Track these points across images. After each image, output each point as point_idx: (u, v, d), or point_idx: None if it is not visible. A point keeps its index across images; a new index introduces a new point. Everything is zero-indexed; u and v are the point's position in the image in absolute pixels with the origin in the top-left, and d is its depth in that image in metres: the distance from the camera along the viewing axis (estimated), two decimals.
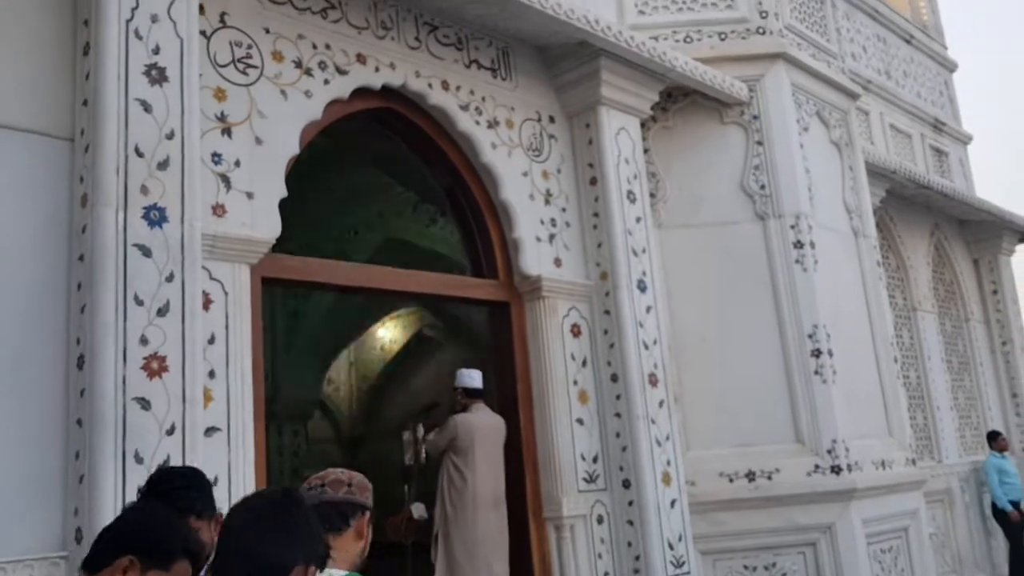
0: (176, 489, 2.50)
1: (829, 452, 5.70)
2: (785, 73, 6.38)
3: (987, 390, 10.06)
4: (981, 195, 10.31)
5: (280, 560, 1.62)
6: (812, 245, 6.07)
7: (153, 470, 3.19)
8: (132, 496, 3.12)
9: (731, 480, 5.69)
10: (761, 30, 6.47)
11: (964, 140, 11.63)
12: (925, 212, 9.62)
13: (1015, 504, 9.13)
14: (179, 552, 1.78)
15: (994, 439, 9.38)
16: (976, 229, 10.36)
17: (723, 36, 6.45)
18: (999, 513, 9.13)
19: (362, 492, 2.25)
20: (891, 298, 8.37)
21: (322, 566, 1.72)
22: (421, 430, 6.10)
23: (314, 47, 4.49)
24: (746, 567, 5.61)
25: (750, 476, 5.66)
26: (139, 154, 3.45)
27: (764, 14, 6.49)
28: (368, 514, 2.25)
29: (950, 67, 11.74)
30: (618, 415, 5.33)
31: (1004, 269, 10.53)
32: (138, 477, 3.15)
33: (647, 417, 5.30)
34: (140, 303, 3.31)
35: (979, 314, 10.35)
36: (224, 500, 3.56)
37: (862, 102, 8.46)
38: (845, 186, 6.83)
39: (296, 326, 9.90)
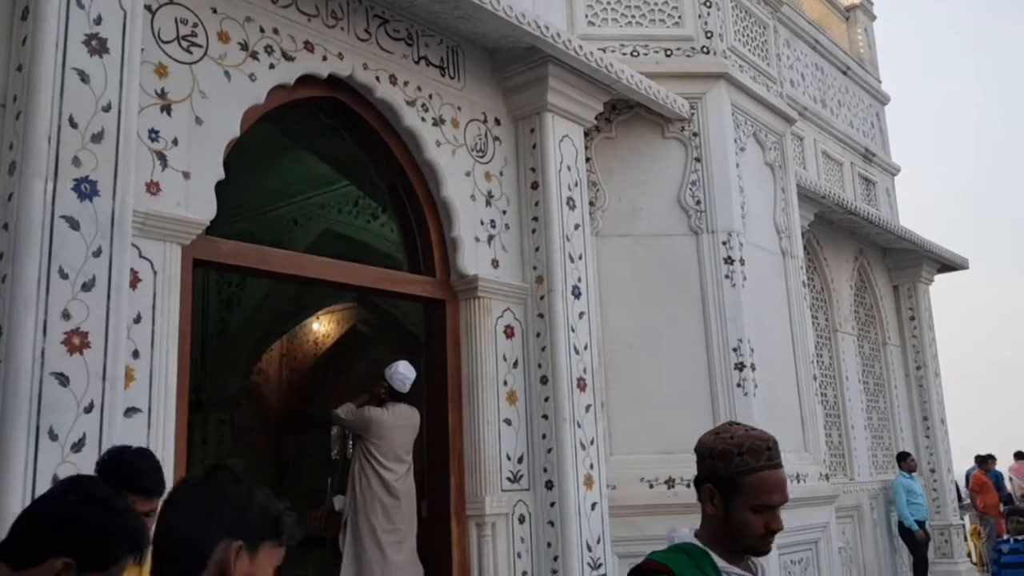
0: (131, 468, 2.45)
1: None
2: (726, 93, 6.55)
3: (900, 412, 10.47)
4: (905, 225, 10.73)
5: (202, 535, 1.49)
6: (742, 262, 6.24)
7: (68, 447, 3.14)
8: (44, 473, 3.06)
9: (651, 486, 5.81)
10: (705, 49, 6.63)
11: (892, 171, 12.09)
12: (851, 238, 9.98)
13: (920, 523, 9.53)
14: (124, 552, 1.61)
15: (904, 459, 9.77)
16: (898, 257, 10.78)
17: (669, 52, 6.59)
18: (905, 531, 9.51)
19: None
20: (814, 318, 8.66)
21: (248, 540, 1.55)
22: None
23: (261, 30, 4.45)
24: None
25: (670, 483, 5.78)
26: (73, 125, 3.37)
27: (709, 34, 6.65)
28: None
29: (882, 100, 12.20)
30: (545, 417, 5.39)
31: (922, 297, 10.98)
32: (51, 454, 3.09)
33: (573, 420, 5.38)
34: (64, 276, 3.24)
35: (896, 339, 10.76)
36: None
37: (797, 127, 8.74)
38: (776, 207, 7.04)
39: (229, 314, 9.74)
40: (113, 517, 1.61)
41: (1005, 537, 6.94)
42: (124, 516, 1.64)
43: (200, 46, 4.17)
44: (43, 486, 3.04)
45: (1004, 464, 15.24)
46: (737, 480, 1.88)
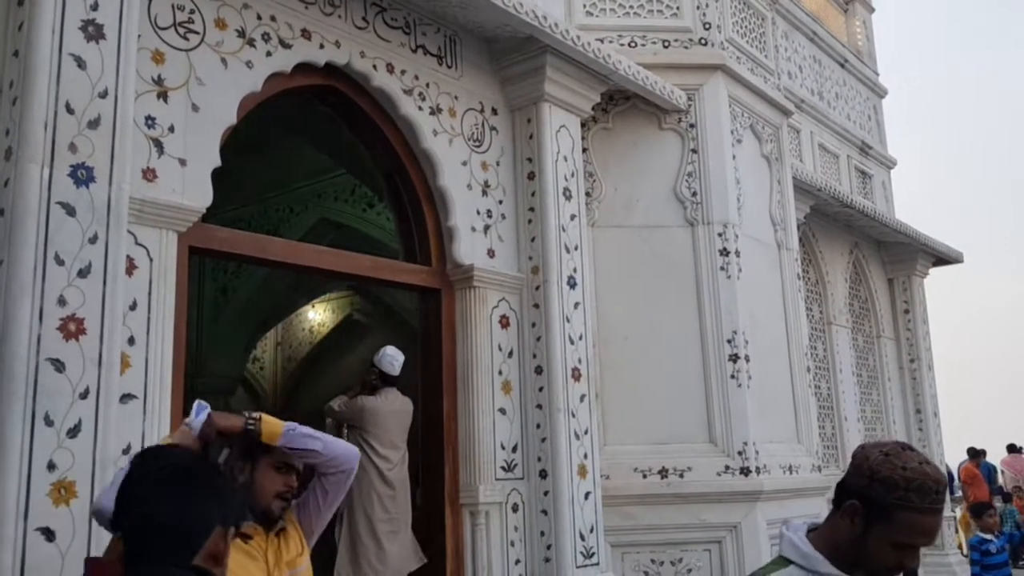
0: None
1: (740, 454, 5.89)
2: (723, 85, 6.55)
3: (893, 405, 10.51)
4: (900, 218, 10.75)
5: (199, 523, 1.53)
6: (737, 253, 6.26)
7: (64, 433, 3.15)
8: (40, 459, 3.06)
9: (644, 476, 5.84)
10: (703, 41, 6.63)
11: (888, 164, 12.10)
12: (846, 230, 9.99)
13: None
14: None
15: None
16: (893, 250, 10.80)
17: (666, 44, 6.59)
18: None
19: None
20: (808, 311, 8.68)
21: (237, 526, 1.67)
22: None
23: (259, 18, 4.44)
24: (653, 561, 5.76)
25: (663, 473, 5.81)
26: (70, 111, 3.37)
27: (707, 26, 6.65)
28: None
29: (880, 93, 12.20)
30: (539, 407, 5.41)
31: (917, 290, 11.00)
32: (47, 439, 3.10)
33: (568, 410, 5.40)
34: (61, 263, 3.24)
35: (890, 331, 10.79)
36: None
37: (794, 120, 8.73)
38: (772, 199, 7.05)
39: (225, 301, 9.74)
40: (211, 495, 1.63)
41: (988, 537, 6.96)
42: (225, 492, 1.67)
43: (197, 33, 4.16)
44: (39, 472, 3.06)
45: (995, 456, 15.34)
46: (891, 513, 1.72)
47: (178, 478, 1.58)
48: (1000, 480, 15.09)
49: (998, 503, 12.80)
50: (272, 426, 2.46)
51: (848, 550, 1.77)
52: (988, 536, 6.97)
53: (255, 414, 2.49)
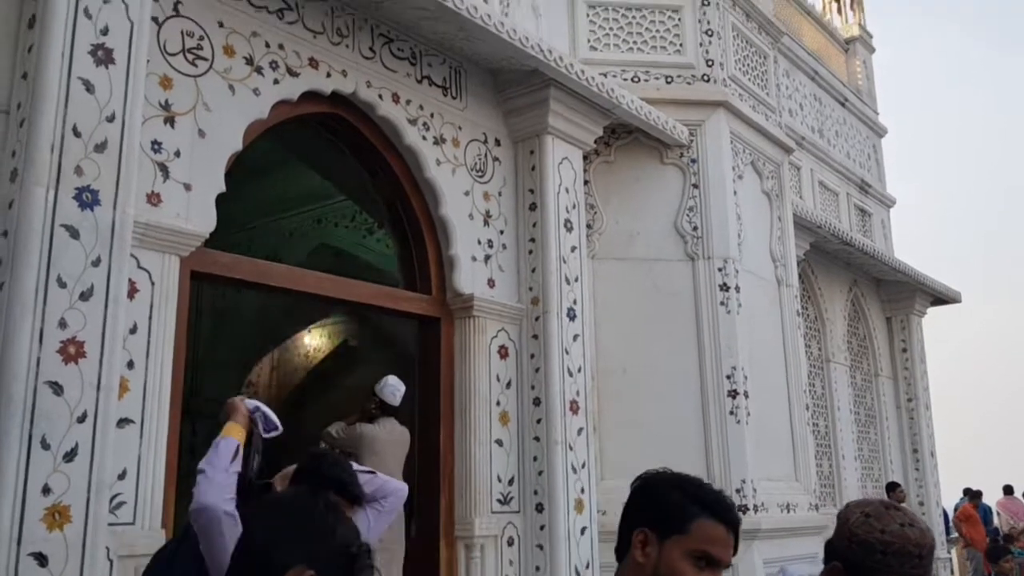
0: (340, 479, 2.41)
1: (738, 491, 5.85)
2: (725, 121, 6.60)
3: (890, 444, 10.47)
4: (900, 257, 10.79)
5: (280, 555, 1.47)
6: (737, 289, 6.27)
7: (60, 457, 3.11)
8: (35, 483, 3.03)
9: None
10: (706, 77, 6.69)
11: (888, 203, 12.17)
12: (845, 268, 10.02)
13: None
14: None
15: (892, 490, 9.75)
16: (892, 289, 10.82)
17: (669, 79, 6.65)
18: None
19: None
20: (807, 348, 8.68)
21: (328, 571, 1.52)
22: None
23: (267, 46, 4.48)
24: None
25: None
26: (76, 134, 3.38)
27: (710, 62, 6.71)
28: None
29: (879, 132, 12.30)
30: (537, 439, 5.38)
31: (915, 329, 11.02)
32: (43, 463, 3.07)
33: (565, 443, 5.37)
34: (63, 285, 3.23)
35: (888, 370, 10.79)
36: (131, 494, 3.48)
37: (795, 157, 8.80)
38: (773, 235, 7.07)
39: (222, 325, 9.71)
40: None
41: None
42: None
43: (206, 59, 4.19)
44: (33, 496, 3.03)
45: (991, 497, 15.24)
46: (868, 574, 1.65)
47: (285, 509, 1.58)
48: (996, 522, 14.98)
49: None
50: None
51: None
52: None
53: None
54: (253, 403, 2.53)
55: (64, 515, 3.09)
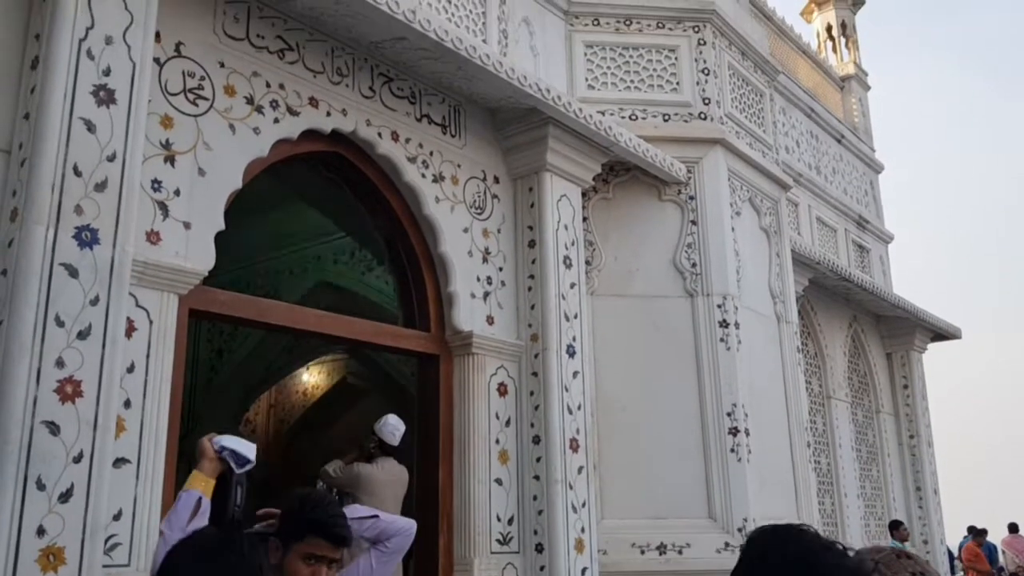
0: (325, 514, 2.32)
1: (740, 531, 5.79)
2: (723, 158, 6.65)
3: (893, 481, 10.39)
4: (899, 293, 10.80)
5: None
6: (737, 325, 6.26)
7: (55, 498, 3.08)
8: (30, 524, 3.00)
9: (643, 551, 5.72)
10: (703, 115, 6.75)
11: (886, 239, 12.21)
12: (845, 304, 10.02)
13: None
14: None
15: (896, 528, 9.65)
16: (892, 325, 10.81)
17: (667, 117, 6.71)
18: None
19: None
20: (807, 384, 8.65)
21: None
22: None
23: (267, 85, 4.52)
24: None
25: (661, 549, 5.70)
26: (77, 173, 3.39)
27: (707, 100, 6.78)
28: None
29: (876, 168, 12.38)
30: (537, 478, 5.33)
31: (915, 365, 10.98)
32: (38, 504, 3.04)
33: (565, 482, 5.32)
34: (61, 324, 3.22)
35: (889, 407, 10.73)
36: (126, 535, 3.44)
37: (792, 193, 8.84)
38: (772, 272, 7.08)
39: (219, 363, 9.67)
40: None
41: None
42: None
43: (206, 99, 4.22)
44: (28, 537, 2.99)
45: (996, 535, 15.08)
46: None
47: (210, 555, 1.67)
48: (1001, 560, 14.80)
49: None
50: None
51: None
52: None
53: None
54: (218, 443, 2.46)
55: (59, 557, 3.05)
